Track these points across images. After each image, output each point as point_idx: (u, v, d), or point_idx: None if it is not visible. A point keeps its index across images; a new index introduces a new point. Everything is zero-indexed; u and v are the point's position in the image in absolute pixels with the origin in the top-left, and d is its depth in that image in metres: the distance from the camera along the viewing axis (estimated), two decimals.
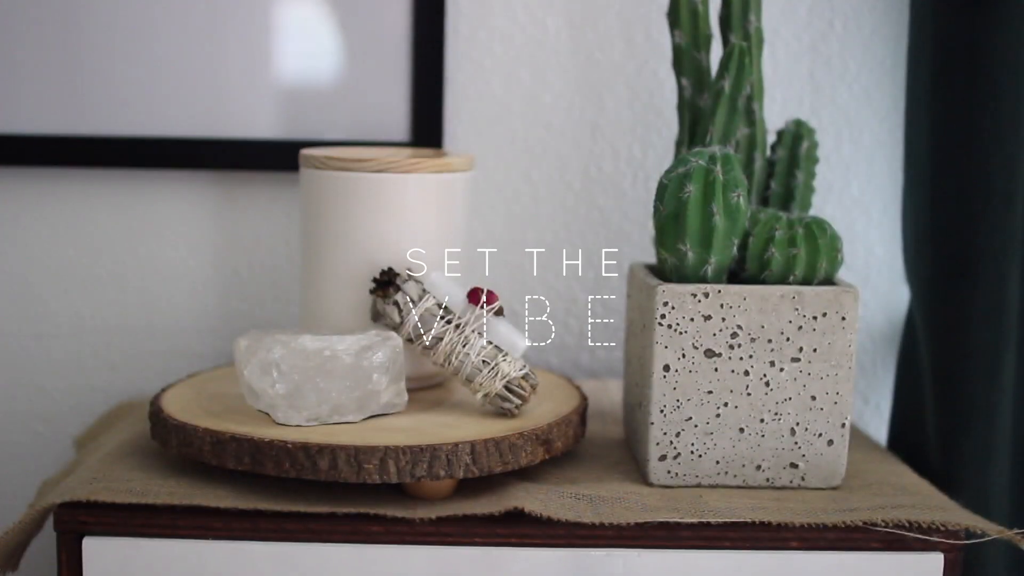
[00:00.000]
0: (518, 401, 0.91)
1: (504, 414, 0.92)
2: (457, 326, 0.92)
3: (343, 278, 0.97)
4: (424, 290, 0.93)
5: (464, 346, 0.91)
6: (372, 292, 0.94)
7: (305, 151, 1.00)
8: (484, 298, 0.92)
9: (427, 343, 0.92)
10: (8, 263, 1.21)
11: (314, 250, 0.99)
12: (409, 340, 0.93)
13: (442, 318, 0.92)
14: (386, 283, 0.93)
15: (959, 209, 1.01)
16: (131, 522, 0.84)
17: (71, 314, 1.22)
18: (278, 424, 0.88)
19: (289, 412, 0.88)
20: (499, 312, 0.93)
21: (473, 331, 0.92)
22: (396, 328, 0.93)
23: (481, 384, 0.91)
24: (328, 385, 0.88)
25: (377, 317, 0.94)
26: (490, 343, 0.92)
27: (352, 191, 0.96)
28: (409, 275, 0.94)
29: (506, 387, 0.91)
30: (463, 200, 1.00)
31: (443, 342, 0.92)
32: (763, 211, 0.93)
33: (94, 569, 0.84)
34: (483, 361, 0.91)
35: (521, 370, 0.91)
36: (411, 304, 0.92)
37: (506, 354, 0.92)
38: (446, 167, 0.98)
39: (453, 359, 0.92)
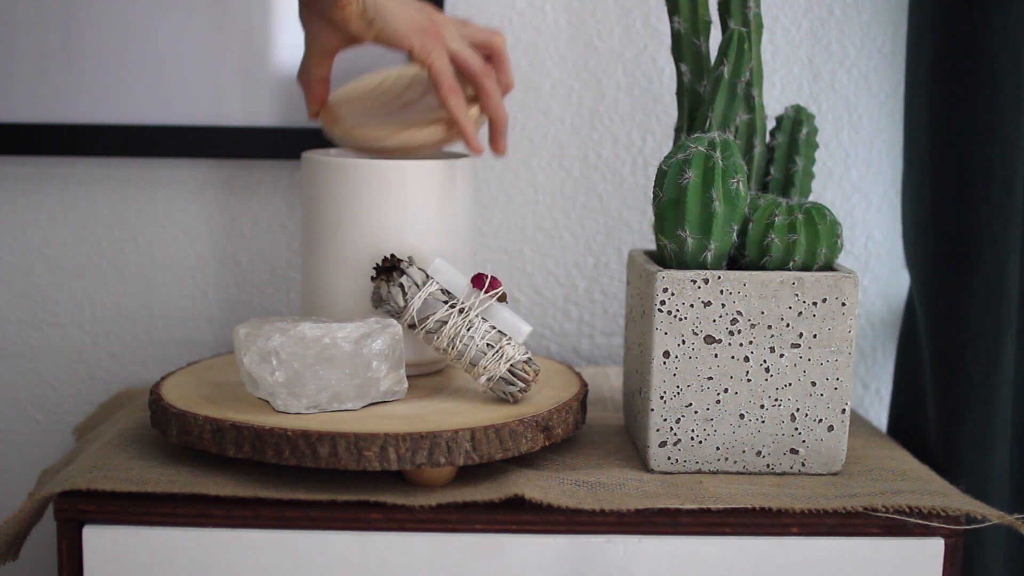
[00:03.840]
0: (522, 385, 0.91)
1: (506, 399, 0.92)
2: (461, 310, 0.92)
3: (344, 265, 0.97)
4: (427, 275, 0.93)
5: (468, 330, 0.91)
6: (374, 278, 0.94)
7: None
8: (488, 283, 0.92)
9: (431, 327, 0.92)
10: (7, 252, 1.21)
11: (315, 237, 0.99)
12: (411, 326, 0.93)
13: (446, 303, 0.92)
14: (389, 268, 0.94)
15: (959, 194, 1.01)
16: (131, 510, 0.84)
17: (70, 303, 1.22)
18: (278, 412, 0.88)
19: (288, 400, 0.88)
20: (502, 298, 0.93)
21: (477, 315, 0.92)
22: (399, 313, 0.93)
23: (485, 367, 0.91)
24: (327, 373, 0.88)
25: (379, 303, 0.94)
26: (493, 328, 0.92)
27: (352, 178, 0.96)
28: (411, 261, 0.94)
29: (510, 371, 0.91)
30: (465, 186, 1.00)
31: (447, 326, 0.92)
32: (763, 197, 0.93)
33: (94, 557, 0.84)
34: (488, 345, 0.91)
35: (525, 354, 0.91)
36: (416, 288, 0.92)
37: (510, 339, 0.92)
38: (447, 153, 0.99)
39: (457, 343, 0.92)
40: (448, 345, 0.92)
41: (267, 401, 0.90)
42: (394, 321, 0.91)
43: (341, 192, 0.97)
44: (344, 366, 0.88)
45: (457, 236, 1.00)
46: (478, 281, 0.93)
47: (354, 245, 0.97)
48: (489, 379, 0.91)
